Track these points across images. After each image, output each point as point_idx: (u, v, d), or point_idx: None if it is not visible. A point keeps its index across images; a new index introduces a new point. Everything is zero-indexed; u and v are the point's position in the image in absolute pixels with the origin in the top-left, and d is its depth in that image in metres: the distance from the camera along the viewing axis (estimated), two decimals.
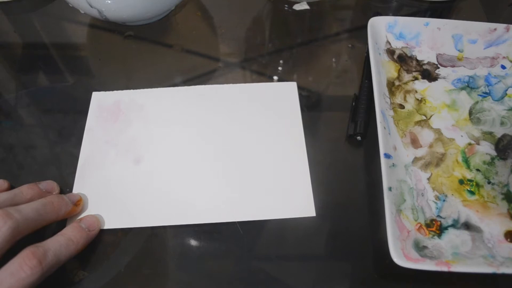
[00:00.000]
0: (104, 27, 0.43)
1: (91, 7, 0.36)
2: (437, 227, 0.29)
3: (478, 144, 0.33)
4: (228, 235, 0.29)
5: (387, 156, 0.29)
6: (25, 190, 0.28)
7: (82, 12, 0.39)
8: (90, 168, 0.32)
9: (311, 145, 0.33)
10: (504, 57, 0.37)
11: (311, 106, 0.36)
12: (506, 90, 0.36)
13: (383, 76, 0.36)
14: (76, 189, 0.31)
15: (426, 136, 0.33)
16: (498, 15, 0.45)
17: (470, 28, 0.37)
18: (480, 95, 0.36)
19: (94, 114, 0.36)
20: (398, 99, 0.35)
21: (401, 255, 0.25)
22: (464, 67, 0.37)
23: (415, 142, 0.33)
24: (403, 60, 0.38)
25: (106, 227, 0.29)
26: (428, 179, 0.31)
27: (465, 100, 0.36)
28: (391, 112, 0.34)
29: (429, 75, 0.37)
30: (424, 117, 0.34)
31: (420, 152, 0.32)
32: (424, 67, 0.38)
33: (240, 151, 0.33)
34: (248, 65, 0.40)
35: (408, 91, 0.36)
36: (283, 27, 0.44)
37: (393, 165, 0.30)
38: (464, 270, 0.25)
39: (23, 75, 0.40)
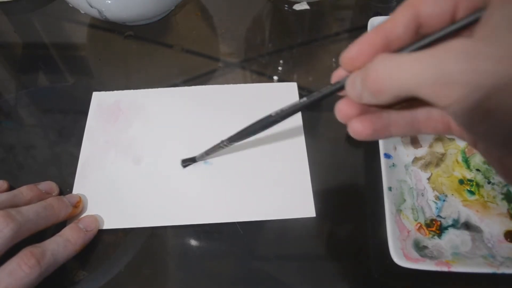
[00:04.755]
0: (104, 27, 0.43)
1: (91, 7, 0.36)
2: (437, 227, 0.29)
3: None
4: (228, 235, 0.29)
5: (387, 156, 0.29)
6: (24, 191, 0.28)
7: (82, 12, 0.39)
8: (90, 168, 0.32)
9: (311, 145, 0.33)
10: None
11: (311, 106, 0.36)
12: None
13: None
14: (76, 189, 0.31)
15: (426, 136, 0.33)
16: None
17: None
18: None
19: (94, 114, 0.36)
20: None
21: (401, 255, 0.25)
22: None
23: (415, 142, 0.33)
24: None
25: (106, 227, 0.29)
26: (428, 179, 0.31)
27: None
28: None
29: None
30: None
31: (420, 152, 0.32)
32: None
33: (240, 152, 0.33)
34: (248, 65, 0.40)
35: None
36: (283, 27, 0.44)
37: (393, 165, 0.30)
38: (464, 270, 0.25)
39: (23, 75, 0.40)
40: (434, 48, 0.15)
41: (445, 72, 0.14)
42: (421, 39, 0.17)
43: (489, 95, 0.14)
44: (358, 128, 0.19)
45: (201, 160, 0.32)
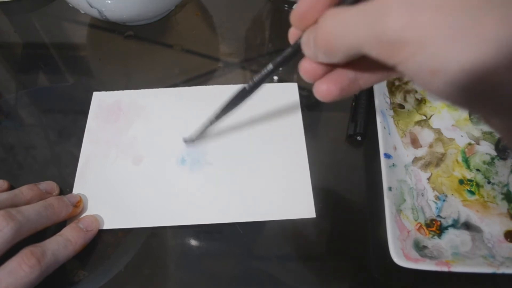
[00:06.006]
0: (104, 27, 0.43)
1: (91, 7, 0.36)
2: (437, 227, 0.29)
3: (478, 144, 0.33)
4: (228, 235, 0.29)
5: (387, 156, 0.29)
6: (25, 190, 0.28)
7: (82, 12, 0.39)
8: (90, 168, 0.32)
9: (311, 145, 0.33)
10: None
11: (311, 106, 0.36)
12: None
13: None
14: (76, 189, 0.31)
15: (426, 136, 0.33)
16: None
17: None
18: None
19: (95, 114, 0.36)
20: (398, 99, 0.35)
21: (401, 255, 0.25)
22: None
23: (415, 142, 0.33)
24: None
25: (106, 227, 0.29)
26: (428, 179, 0.31)
27: None
28: (391, 112, 0.34)
29: None
30: (424, 117, 0.34)
31: (420, 152, 0.32)
32: None
33: (241, 152, 0.33)
34: (248, 65, 0.40)
35: (408, 91, 0.36)
36: (283, 27, 0.44)
37: (393, 165, 0.30)
38: (464, 270, 0.25)
39: (23, 75, 0.40)
40: (371, 1, 0.14)
41: (383, 30, 0.13)
42: None
43: (433, 53, 0.13)
44: (323, 91, 0.18)
45: (197, 140, 0.33)
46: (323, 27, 0.16)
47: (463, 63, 0.12)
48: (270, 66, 0.21)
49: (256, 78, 0.23)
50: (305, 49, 0.18)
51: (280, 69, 0.22)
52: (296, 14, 0.17)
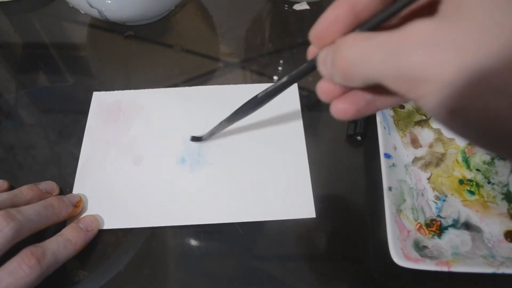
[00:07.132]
0: (104, 27, 0.43)
1: (91, 7, 0.36)
2: (437, 227, 0.29)
3: None
4: (228, 235, 0.29)
5: (387, 156, 0.29)
6: (25, 190, 0.28)
7: (82, 12, 0.39)
8: (90, 168, 0.32)
9: (311, 145, 0.33)
10: None
11: (311, 106, 0.36)
12: None
13: None
14: (76, 189, 0.31)
15: (426, 136, 0.33)
16: None
17: None
18: None
19: (95, 114, 0.36)
20: None
21: (401, 255, 0.25)
22: None
23: (415, 142, 0.33)
24: None
25: (106, 227, 0.29)
26: (428, 179, 0.31)
27: None
28: (391, 112, 0.34)
29: None
30: (424, 117, 0.34)
31: (420, 152, 0.32)
32: None
33: (241, 151, 0.33)
34: (248, 65, 0.40)
35: None
36: (283, 27, 0.44)
37: (393, 165, 0.30)
38: (464, 270, 0.25)
39: (23, 75, 0.40)
40: (393, 34, 0.14)
41: (404, 66, 0.13)
42: (392, 4, 0.15)
43: (452, 93, 0.13)
44: (340, 110, 0.18)
45: (206, 140, 0.34)
46: (343, 54, 0.16)
47: (483, 106, 0.12)
48: (284, 79, 0.21)
49: (270, 89, 0.23)
50: (321, 68, 0.18)
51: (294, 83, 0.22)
52: (314, 32, 0.17)
